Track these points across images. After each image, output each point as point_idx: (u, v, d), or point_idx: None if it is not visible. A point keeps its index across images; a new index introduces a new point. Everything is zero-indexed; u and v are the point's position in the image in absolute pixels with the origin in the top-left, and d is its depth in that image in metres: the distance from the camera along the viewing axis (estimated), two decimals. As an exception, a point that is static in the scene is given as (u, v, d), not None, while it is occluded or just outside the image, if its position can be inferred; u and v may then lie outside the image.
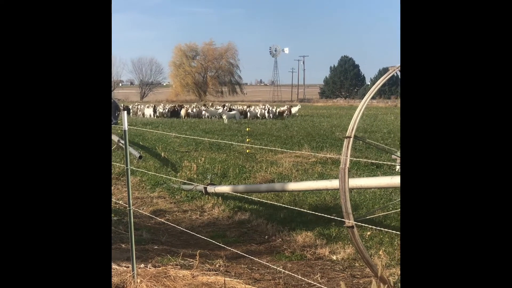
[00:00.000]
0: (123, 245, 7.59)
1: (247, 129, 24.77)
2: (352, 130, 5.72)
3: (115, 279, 5.82)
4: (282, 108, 52.24)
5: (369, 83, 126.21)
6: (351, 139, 5.69)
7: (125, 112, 5.94)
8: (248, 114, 46.19)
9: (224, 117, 42.28)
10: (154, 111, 50.17)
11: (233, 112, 45.31)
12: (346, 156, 5.63)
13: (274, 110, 49.05)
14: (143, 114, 51.44)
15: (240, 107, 54.42)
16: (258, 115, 46.93)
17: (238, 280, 6.06)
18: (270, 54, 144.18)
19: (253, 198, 10.86)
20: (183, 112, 47.61)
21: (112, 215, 9.68)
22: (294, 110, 53.09)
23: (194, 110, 50.41)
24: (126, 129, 5.84)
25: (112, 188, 13.12)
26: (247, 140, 20.65)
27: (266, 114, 46.82)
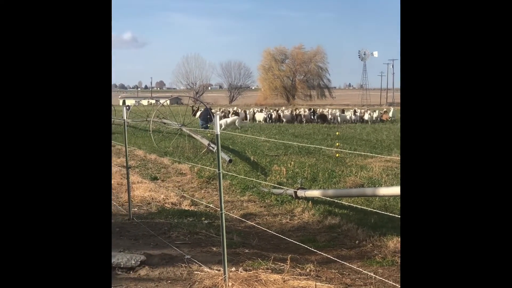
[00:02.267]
0: (214, 249, 7.69)
1: (337, 133, 24.62)
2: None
3: (207, 282, 5.92)
4: (380, 112, 51.30)
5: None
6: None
7: (218, 116, 5.97)
8: (339, 117, 45.20)
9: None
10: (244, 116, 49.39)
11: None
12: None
13: (371, 115, 47.83)
14: (255, 119, 48.12)
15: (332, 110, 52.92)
16: (345, 119, 45.60)
17: (329, 285, 6.02)
18: (359, 57, 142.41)
19: (343, 202, 10.79)
20: (274, 115, 47.24)
21: (203, 218, 9.86)
22: (391, 114, 51.94)
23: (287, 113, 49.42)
24: (219, 133, 5.89)
25: (202, 191, 13.36)
26: (337, 144, 20.51)
27: (353, 117, 45.84)
